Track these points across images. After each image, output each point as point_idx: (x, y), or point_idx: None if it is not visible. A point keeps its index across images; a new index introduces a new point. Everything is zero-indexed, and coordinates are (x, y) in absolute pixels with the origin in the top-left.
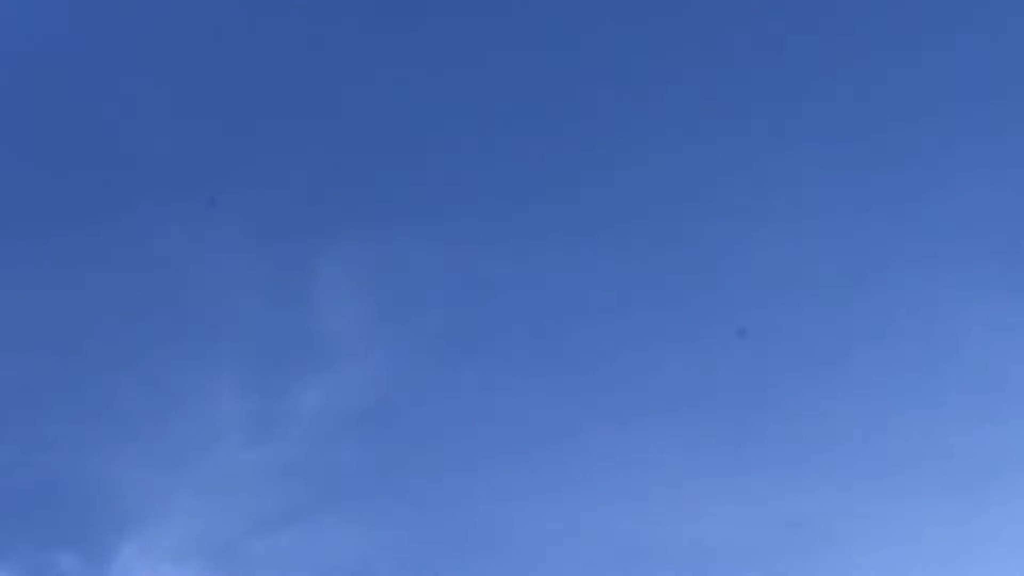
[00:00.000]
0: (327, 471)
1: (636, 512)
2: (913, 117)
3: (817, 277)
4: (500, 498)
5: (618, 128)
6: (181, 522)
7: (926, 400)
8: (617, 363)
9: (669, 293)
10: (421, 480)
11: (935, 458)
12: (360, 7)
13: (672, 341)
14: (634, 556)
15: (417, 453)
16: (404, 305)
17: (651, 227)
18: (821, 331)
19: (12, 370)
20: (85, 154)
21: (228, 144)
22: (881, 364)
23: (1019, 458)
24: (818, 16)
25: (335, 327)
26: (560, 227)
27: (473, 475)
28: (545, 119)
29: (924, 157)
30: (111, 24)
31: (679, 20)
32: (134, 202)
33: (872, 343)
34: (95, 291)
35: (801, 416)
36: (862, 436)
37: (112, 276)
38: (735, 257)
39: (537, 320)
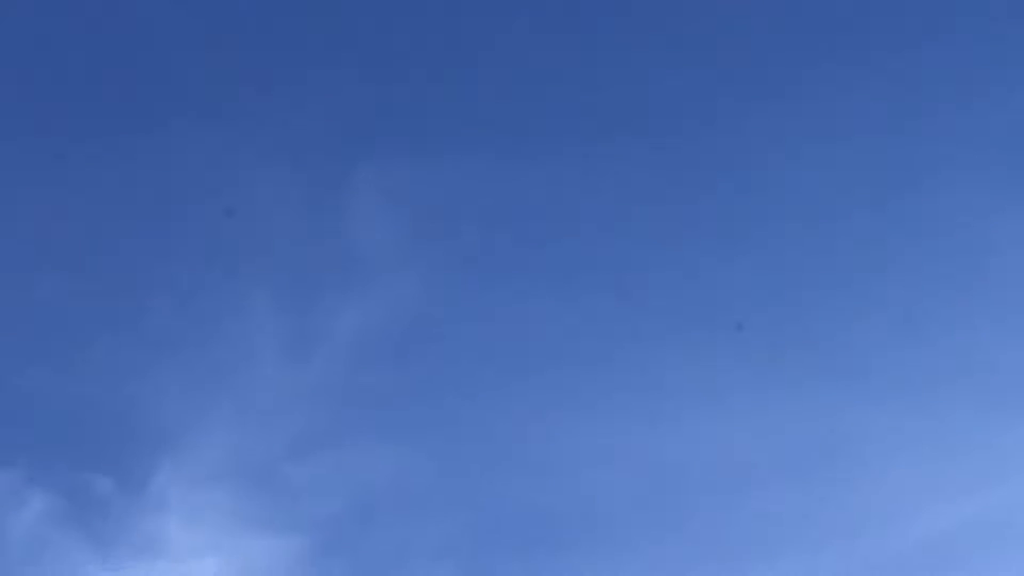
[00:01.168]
0: (362, 392)
1: (669, 431)
2: (942, 32)
3: (850, 194)
4: (535, 418)
5: (654, 38)
6: (217, 445)
7: (960, 315)
8: (652, 281)
9: (706, 211)
10: (456, 401)
11: (969, 373)
12: None
13: (707, 258)
14: (667, 475)
15: (452, 373)
16: (439, 223)
17: (689, 143)
18: (854, 246)
19: (46, 292)
20: (119, 73)
21: (262, 63)
22: (914, 278)
23: None
24: None
25: (370, 246)
26: (597, 143)
27: (508, 395)
28: (581, 30)
29: (955, 72)
30: None
31: None
32: (168, 122)
33: (905, 257)
34: (129, 211)
35: (833, 331)
36: (895, 351)
37: (146, 196)
38: (769, 171)
39: (572, 238)
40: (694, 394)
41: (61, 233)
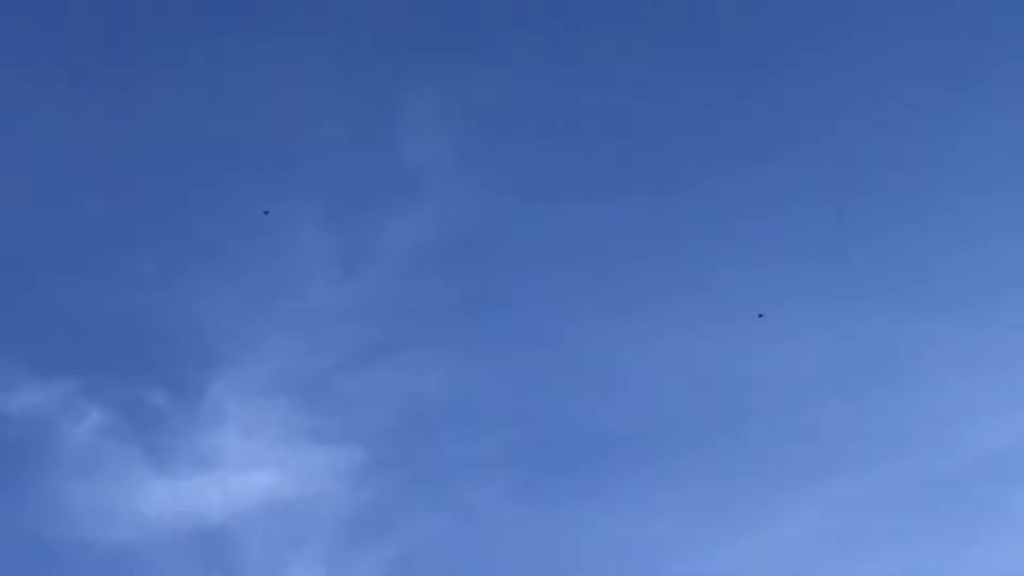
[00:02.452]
0: (414, 307)
1: (723, 344)
2: None
3: (907, 102)
4: (588, 331)
5: None
6: (270, 358)
7: (1018, 229)
8: (706, 190)
9: (757, 120)
10: (509, 313)
11: None
12: None
13: (760, 166)
14: (721, 388)
15: (504, 287)
16: (490, 138)
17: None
18: (912, 159)
19: (100, 208)
20: None
21: None
22: (971, 190)
23: None
24: None
25: (421, 161)
26: (652, 55)
27: (561, 308)
28: None
29: None
30: None
31: None
32: (217, 38)
33: (964, 168)
34: (181, 128)
35: (888, 241)
36: (952, 262)
37: (199, 112)
38: (828, 78)
39: (624, 149)
40: (748, 307)
41: (108, 151)
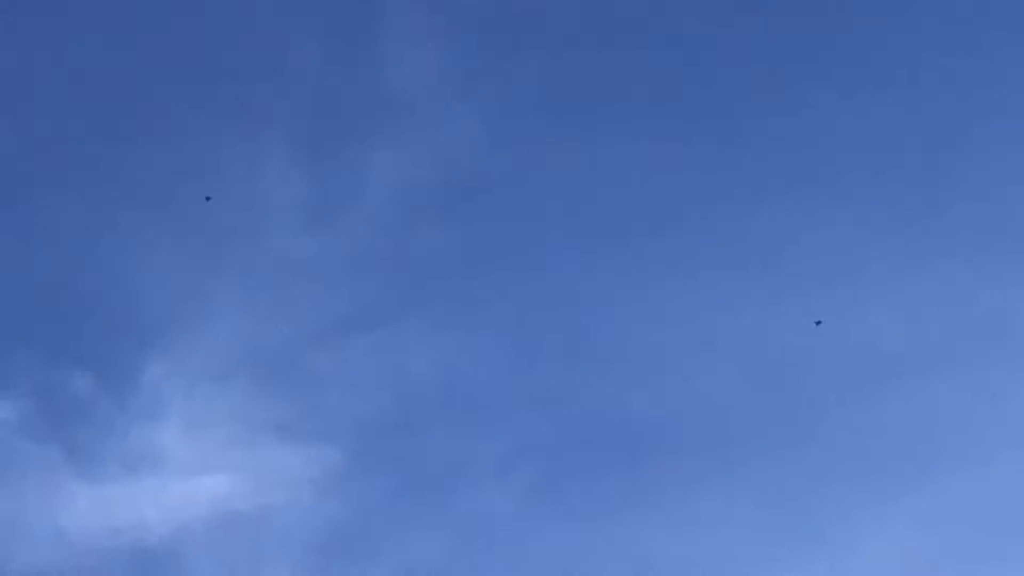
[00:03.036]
0: (403, 263)
1: (789, 316)
2: None
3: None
4: (616, 296)
5: None
6: (222, 332)
7: None
8: (774, 128)
9: (843, 47)
10: (520, 274)
11: None
12: None
13: (845, 99)
14: (786, 370)
15: (514, 240)
16: (494, 53)
17: None
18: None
19: (9, 144)
20: None
21: None
22: None
23: None
24: None
25: (409, 84)
26: None
27: (585, 268)
28: None
29: None
30: None
31: None
32: None
33: None
34: (112, 42)
35: (1001, 194)
36: None
37: (134, 22)
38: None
39: (667, 68)
40: (819, 270)
41: (20, 74)
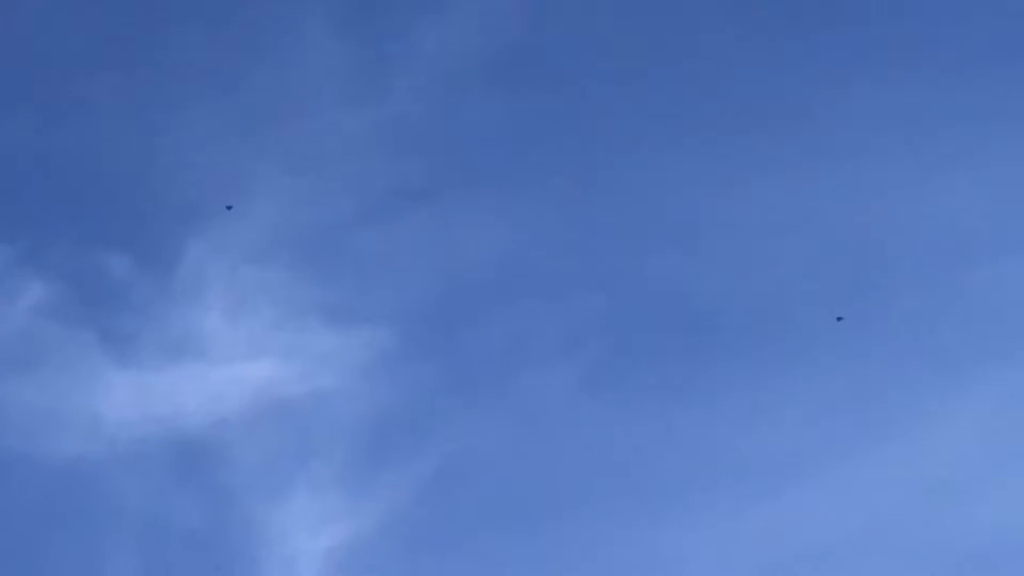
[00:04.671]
0: (452, 138)
1: (859, 186)
2: None
3: None
4: (681, 171)
5: None
6: (264, 210)
7: None
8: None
9: None
10: (577, 146)
11: None
12: None
13: None
14: (857, 245)
15: (572, 109)
16: None
17: None
18: None
19: (44, 17)
20: None
21: None
22: None
23: None
24: None
25: None
26: None
27: (646, 140)
28: None
29: None
30: None
31: None
32: None
33: None
34: None
35: None
36: None
37: None
38: None
39: None
40: (888, 146)
41: None
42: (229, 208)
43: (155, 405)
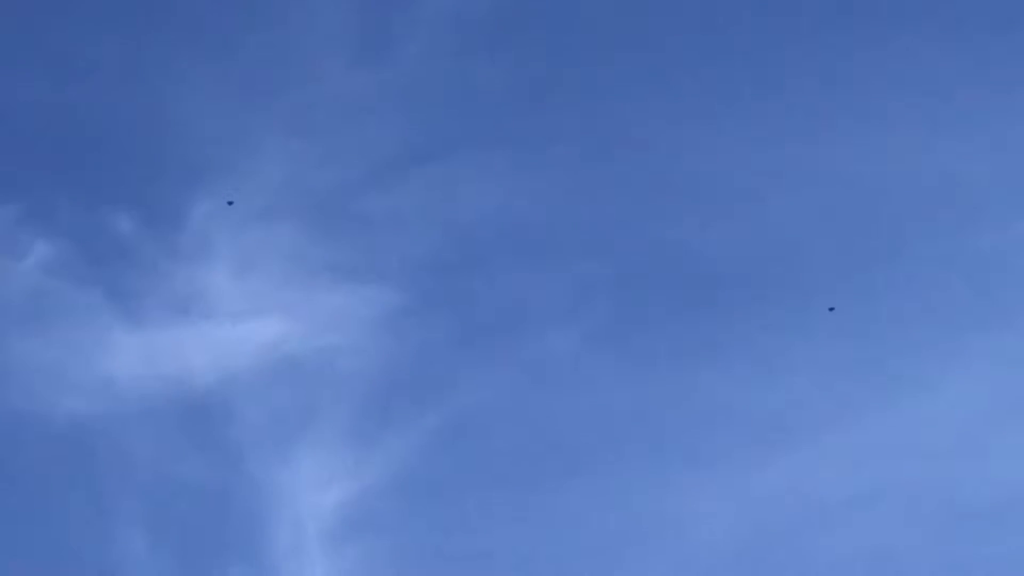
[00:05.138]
0: (459, 97)
1: (873, 141)
2: None
3: None
4: (693, 129)
5: None
6: (271, 169)
7: None
8: None
9: None
10: (588, 106)
11: None
12: None
13: None
14: (871, 200)
15: (583, 68)
16: None
17: None
18: None
19: None
20: None
21: None
22: None
23: None
24: None
25: None
26: None
27: (659, 98)
28: None
29: None
30: None
31: None
32: None
33: None
34: None
35: None
36: None
37: None
38: None
39: None
40: (895, 97)
41: None
42: (230, 204)
43: (162, 363)
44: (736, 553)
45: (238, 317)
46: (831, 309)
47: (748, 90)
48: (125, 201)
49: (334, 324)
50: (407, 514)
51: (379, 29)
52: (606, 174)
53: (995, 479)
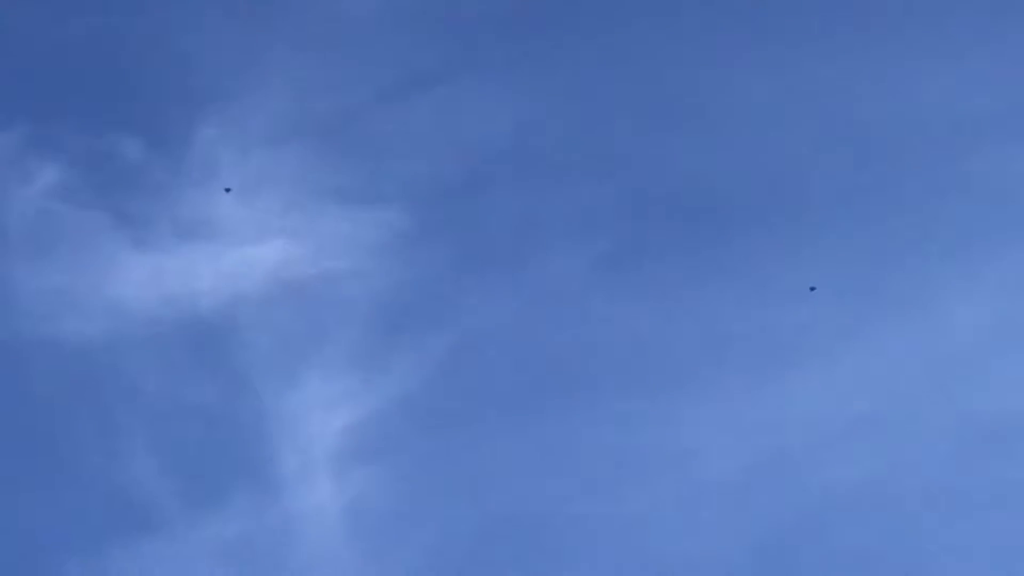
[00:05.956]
0: (464, 19)
1: (872, 70)
2: None
3: None
4: (699, 53)
5: None
6: (276, 92)
7: None
8: None
9: None
10: (595, 29)
11: None
12: None
13: None
14: (872, 127)
15: None
16: None
17: None
18: None
19: None
20: None
21: None
22: None
23: None
24: None
25: None
26: None
27: (664, 22)
28: None
29: None
30: None
31: None
32: None
33: None
34: None
35: None
36: None
37: None
38: None
39: None
40: (897, 26)
41: None
42: (228, 190)
43: (169, 287)
44: (741, 477)
45: (244, 241)
46: (812, 289)
47: (754, 16)
48: (131, 126)
49: (340, 248)
50: (413, 437)
51: None
52: (612, 98)
53: (999, 400)
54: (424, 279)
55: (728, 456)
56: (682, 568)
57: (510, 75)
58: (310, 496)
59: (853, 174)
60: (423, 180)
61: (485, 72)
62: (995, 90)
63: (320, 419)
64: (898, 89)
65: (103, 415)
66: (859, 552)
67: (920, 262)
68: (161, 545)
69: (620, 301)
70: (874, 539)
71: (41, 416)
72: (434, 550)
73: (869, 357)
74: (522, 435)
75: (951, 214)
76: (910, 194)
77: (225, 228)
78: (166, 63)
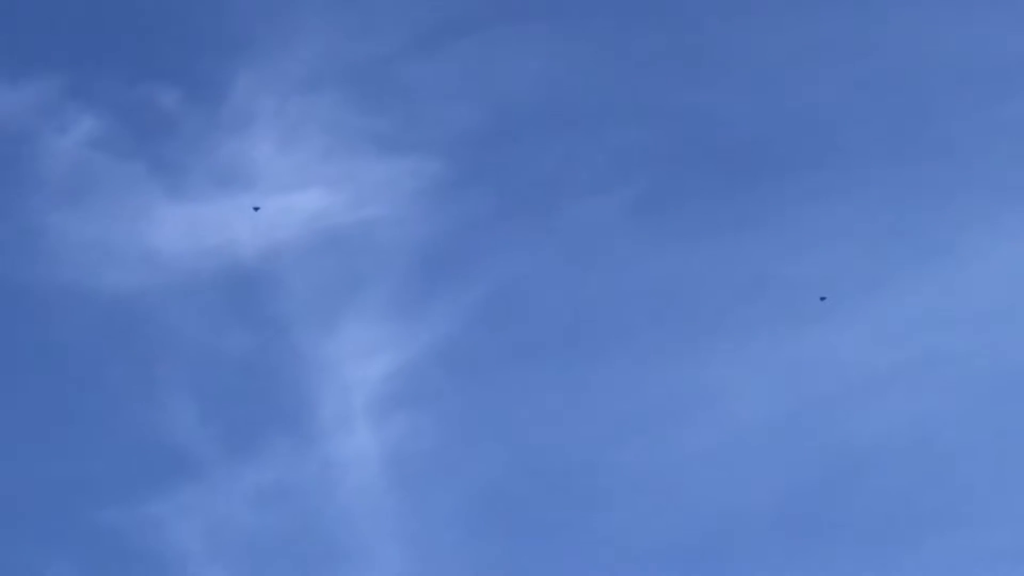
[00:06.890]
0: None
1: (909, 16)
2: None
3: None
4: (724, 9)
5: None
6: (312, 41)
7: None
8: None
9: None
10: None
11: None
12: None
13: None
14: (909, 73)
15: None
16: None
17: None
18: None
19: None
20: None
21: None
22: None
23: None
24: None
25: None
26: None
27: None
28: None
29: None
30: None
31: None
32: None
33: None
34: None
35: None
36: None
37: None
38: None
39: None
40: None
41: None
42: (256, 209)
43: (206, 236)
44: (776, 422)
45: (280, 190)
46: (822, 299)
47: None
48: (167, 75)
49: (376, 196)
50: (450, 384)
51: None
52: (645, 46)
53: None
54: (460, 227)
55: (763, 402)
56: (717, 510)
57: (545, 22)
58: (348, 443)
59: (886, 119)
60: (458, 128)
61: (519, 20)
62: None
63: (358, 366)
64: (932, 34)
65: (142, 364)
66: (895, 497)
67: (956, 208)
68: (200, 492)
69: (654, 247)
70: (909, 484)
71: (80, 365)
72: (472, 495)
73: (905, 303)
74: (559, 380)
75: (985, 159)
76: (943, 139)
77: (262, 177)
78: (202, 12)
